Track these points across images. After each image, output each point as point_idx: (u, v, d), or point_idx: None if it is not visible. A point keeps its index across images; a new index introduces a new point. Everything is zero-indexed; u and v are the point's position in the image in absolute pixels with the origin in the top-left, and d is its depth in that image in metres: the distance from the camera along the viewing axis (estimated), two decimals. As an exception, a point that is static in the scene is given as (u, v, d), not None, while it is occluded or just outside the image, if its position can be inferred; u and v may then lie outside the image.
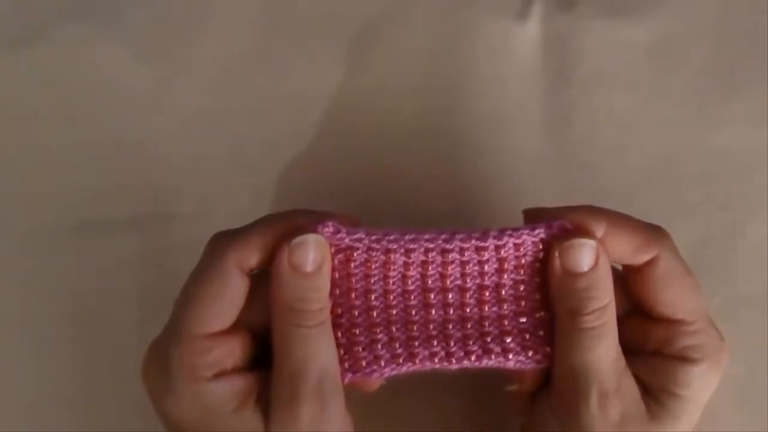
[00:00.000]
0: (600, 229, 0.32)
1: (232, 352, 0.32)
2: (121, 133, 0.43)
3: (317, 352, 0.31)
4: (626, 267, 0.34)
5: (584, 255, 0.31)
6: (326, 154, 0.43)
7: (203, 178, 0.43)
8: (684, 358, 0.32)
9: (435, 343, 0.32)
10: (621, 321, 0.32)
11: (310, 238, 0.31)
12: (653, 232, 0.33)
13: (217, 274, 0.31)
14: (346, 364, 0.32)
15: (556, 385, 0.33)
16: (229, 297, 0.32)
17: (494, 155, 0.43)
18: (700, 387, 0.32)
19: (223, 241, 0.32)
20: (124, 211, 0.42)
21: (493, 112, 0.43)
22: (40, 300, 0.42)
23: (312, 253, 0.31)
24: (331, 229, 0.31)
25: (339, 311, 0.32)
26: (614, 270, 0.33)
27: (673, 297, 0.33)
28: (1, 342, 0.41)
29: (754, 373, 0.40)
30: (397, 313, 0.33)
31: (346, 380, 0.32)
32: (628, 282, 0.34)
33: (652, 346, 0.33)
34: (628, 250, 0.32)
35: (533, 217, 0.34)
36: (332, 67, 0.44)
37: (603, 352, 0.31)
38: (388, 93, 0.43)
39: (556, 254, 0.32)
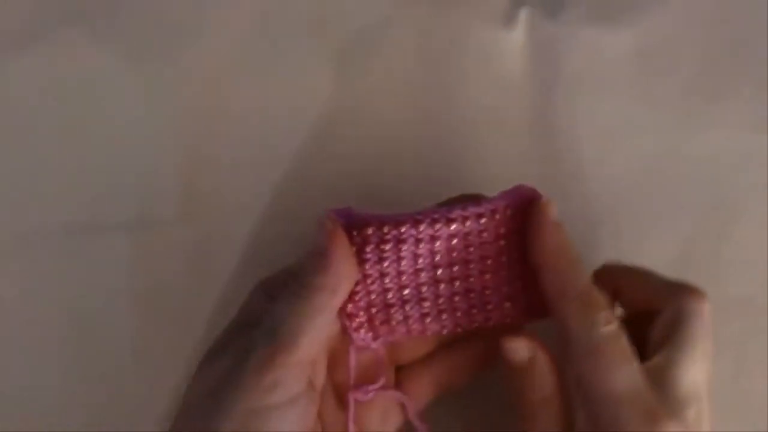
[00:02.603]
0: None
1: None
2: (114, 136, 0.43)
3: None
4: None
5: (519, 356, 0.34)
6: (318, 159, 0.43)
7: (195, 182, 0.42)
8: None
9: (444, 316, 0.35)
10: None
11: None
12: (585, 293, 0.33)
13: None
14: (362, 331, 0.35)
15: None
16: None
17: (481, 161, 0.43)
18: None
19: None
20: (117, 214, 0.42)
21: (480, 117, 0.43)
22: (33, 302, 0.41)
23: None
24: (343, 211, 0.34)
25: (357, 298, 0.34)
26: None
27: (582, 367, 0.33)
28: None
29: (740, 374, 0.41)
30: (409, 292, 0.35)
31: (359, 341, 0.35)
32: None
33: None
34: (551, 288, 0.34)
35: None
36: (323, 73, 0.44)
37: None
38: (376, 100, 0.43)
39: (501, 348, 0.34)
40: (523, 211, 0.35)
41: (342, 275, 0.33)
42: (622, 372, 0.31)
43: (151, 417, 0.40)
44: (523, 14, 0.44)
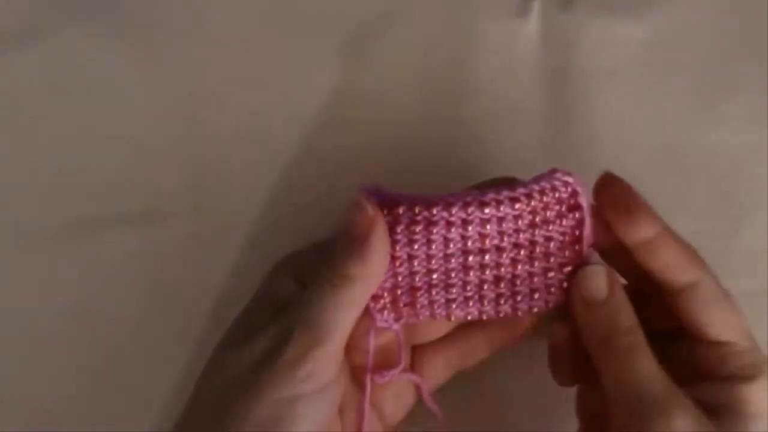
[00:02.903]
0: (652, 230, 0.33)
1: None
2: (118, 131, 0.43)
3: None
4: (667, 287, 0.33)
5: (599, 283, 0.32)
6: (324, 152, 0.43)
7: (200, 176, 0.42)
8: (741, 377, 0.32)
9: (470, 303, 0.34)
10: (669, 347, 0.33)
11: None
12: (695, 254, 0.33)
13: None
14: (385, 312, 0.34)
15: (614, 415, 0.32)
16: None
17: (495, 152, 0.43)
18: (764, 401, 0.32)
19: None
20: (121, 208, 0.42)
21: (493, 109, 0.43)
22: (39, 296, 0.41)
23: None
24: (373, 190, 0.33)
25: (383, 279, 0.33)
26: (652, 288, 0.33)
27: (717, 319, 0.32)
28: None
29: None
30: (437, 277, 0.33)
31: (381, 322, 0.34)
32: (672, 303, 0.33)
33: (703, 370, 0.33)
34: (671, 264, 0.33)
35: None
36: (331, 65, 0.43)
37: (646, 368, 0.31)
38: (387, 91, 0.43)
39: (575, 285, 0.33)
40: (559, 199, 0.33)
41: (380, 265, 0.32)
42: (743, 320, 0.33)
43: (156, 411, 0.40)
44: (537, 4, 0.44)
